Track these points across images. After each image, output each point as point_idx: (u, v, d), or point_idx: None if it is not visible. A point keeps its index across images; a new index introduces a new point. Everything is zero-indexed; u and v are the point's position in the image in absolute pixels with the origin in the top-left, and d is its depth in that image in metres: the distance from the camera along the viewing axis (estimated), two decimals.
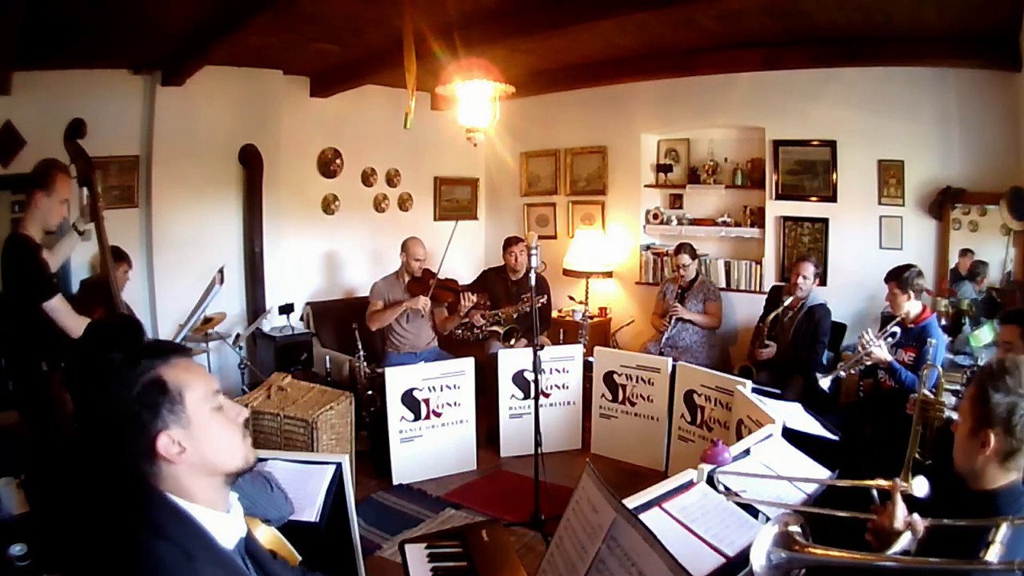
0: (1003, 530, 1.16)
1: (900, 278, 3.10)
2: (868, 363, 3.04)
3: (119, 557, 0.99)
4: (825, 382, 3.03)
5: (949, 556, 1.15)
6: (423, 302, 3.98)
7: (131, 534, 0.99)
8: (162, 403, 1.00)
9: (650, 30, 3.92)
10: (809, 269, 3.80)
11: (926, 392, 2.31)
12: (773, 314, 3.92)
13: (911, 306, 3.12)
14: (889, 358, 3.00)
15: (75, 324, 2.49)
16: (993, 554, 1.13)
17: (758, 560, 1.13)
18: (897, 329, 3.09)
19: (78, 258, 3.87)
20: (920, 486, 1.33)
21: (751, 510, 1.71)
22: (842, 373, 3.08)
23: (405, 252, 4.13)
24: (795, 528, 1.18)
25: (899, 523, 1.29)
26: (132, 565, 0.97)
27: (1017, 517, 1.21)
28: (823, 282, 4.35)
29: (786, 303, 3.87)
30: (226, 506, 1.08)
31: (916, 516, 1.29)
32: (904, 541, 1.26)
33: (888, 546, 1.27)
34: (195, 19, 3.35)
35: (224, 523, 1.05)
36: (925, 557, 1.19)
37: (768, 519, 1.74)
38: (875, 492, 1.40)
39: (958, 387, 2.91)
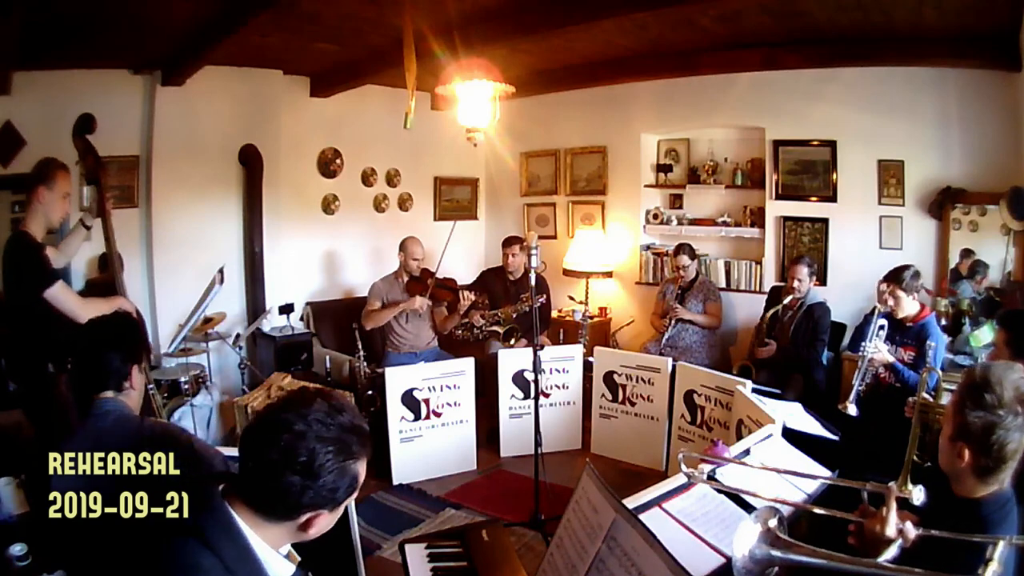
0: (1000, 548, 1.13)
1: (900, 280, 3.09)
2: (873, 369, 3.03)
3: (156, 559, 1.00)
4: (853, 409, 2.88)
5: (935, 566, 1.11)
6: (420, 302, 3.98)
7: (176, 539, 1.00)
8: (344, 498, 1.06)
9: (650, 30, 3.91)
10: (803, 271, 3.81)
11: (925, 395, 2.30)
12: (772, 311, 3.94)
13: (910, 306, 3.12)
14: (891, 359, 3.00)
15: (82, 310, 2.45)
16: (991, 573, 1.09)
17: (740, 552, 1.13)
18: (884, 321, 3.07)
19: (81, 258, 3.87)
20: (918, 495, 1.30)
21: (751, 510, 1.71)
22: (860, 390, 2.97)
23: (403, 252, 4.14)
24: (774, 522, 1.17)
25: (891, 530, 1.24)
26: (169, 569, 0.98)
27: (1017, 537, 1.19)
28: (823, 282, 4.35)
29: (785, 302, 3.88)
30: (284, 548, 1.11)
31: (908, 524, 1.26)
32: (892, 549, 1.23)
33: (874, 551, 1.24)
34: (195, 19, 3.35)
35: (277, 560, 1.08)
36: (910, 568, 1.13)
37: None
38: (865, 494, 1.37)
39: None
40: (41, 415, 2.57)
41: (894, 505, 1.27)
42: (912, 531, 1.25)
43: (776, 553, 1.14)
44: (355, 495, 1.09)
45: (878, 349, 2.98)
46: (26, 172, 2.80)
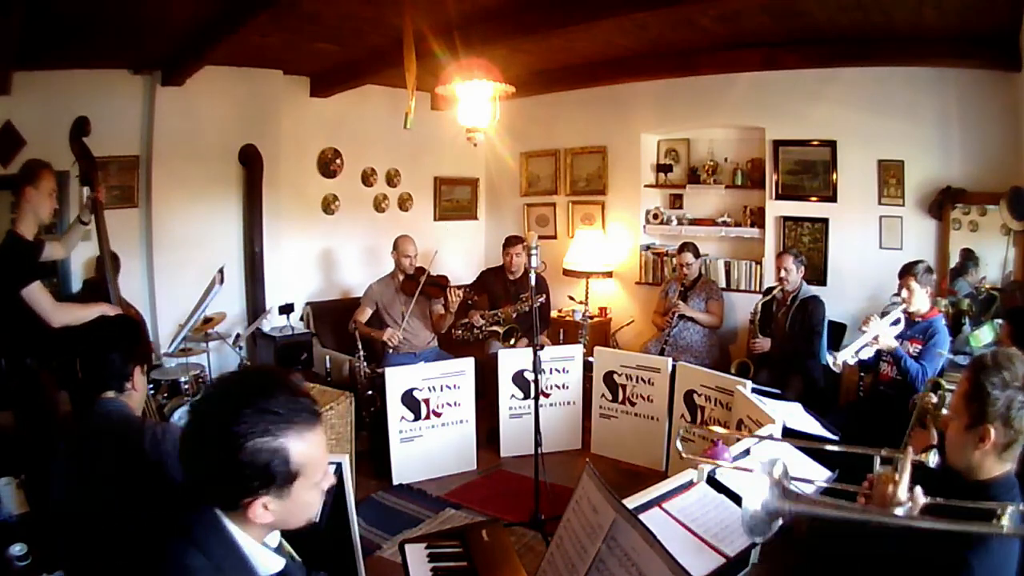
0: (1010, 509, 1.19)
1: (915, 273, 3.11)
2: (875, 347, 3.04)
3: (149, 561, 1.00)
4: (831, 358, 3.01)
5: (942, 543, 1.15)
6: (388, 333, 4.00)
7: (164, 540, 1.00)
8: (277, 478, 0.98)
9: (650, 30, 3.92)
10: (789, 261, 3.86)
11: (932, 396, 2.31)
12: (763, 300, 3.99)
13: (922, 300, 3.12)
14: (895, 344, 3.01)
15: (54, 313, 2.49)
16: (1007, 519, 1.16)
17: (753, 505, 1.13)
18: (901, 315, 3.09)
19: (80, 259, 3.87)
20: (933, 459, 1.33)
21: None
22: (850, 356, 3.04)
23: (396, 250, 4.16)
24: (779, 471, 1.18)
25: (903, 492, 1.27)
26: (161, 571, 0.98)
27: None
28: (823, 282, 4.36)
29: (776, 293, 3.93)
30: (270, 540, 1.09)
31: (919, 489, 1.29)
32: (900, 513, 1.26)
33: None
34: (195, 19, 3.35)
35: (264, 555, 1.06)
36: (920, 515, 1.19)
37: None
38: (878, 460, 1.40)
39: None
40: (27, 413, 2.58)
41: (908, 467, 1.30)
42: (922, 497, 1.28)
43: (786, 506, 1.14)
44: (307, 475, 1.02)
45: (885, 329, 3.00)
46: None
